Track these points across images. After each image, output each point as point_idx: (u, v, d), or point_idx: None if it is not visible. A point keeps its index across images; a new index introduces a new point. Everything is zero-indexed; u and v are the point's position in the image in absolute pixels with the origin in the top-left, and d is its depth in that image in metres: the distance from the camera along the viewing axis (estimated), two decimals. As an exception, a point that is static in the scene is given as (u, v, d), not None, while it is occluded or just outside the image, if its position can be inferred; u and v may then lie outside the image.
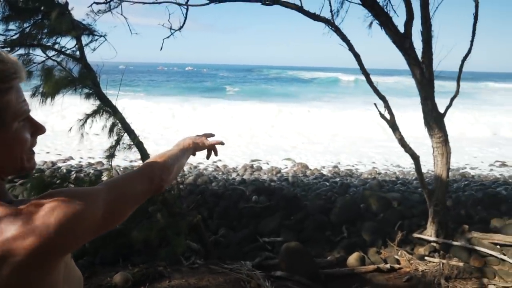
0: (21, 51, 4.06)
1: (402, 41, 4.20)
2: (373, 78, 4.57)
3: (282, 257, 4.04)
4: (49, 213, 0.63)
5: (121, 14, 4.54)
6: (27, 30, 3.95)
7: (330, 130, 15.61)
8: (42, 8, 3.99)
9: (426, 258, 4.41)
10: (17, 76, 0.67)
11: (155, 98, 23.90)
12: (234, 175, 9.66)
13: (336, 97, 29.72)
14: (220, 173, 9.88)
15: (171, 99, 23.40)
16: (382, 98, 4.56)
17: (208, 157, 1.25)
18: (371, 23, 4.85)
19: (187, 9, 4.70)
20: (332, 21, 4.48)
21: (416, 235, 4.88)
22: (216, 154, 1.26)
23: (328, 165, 11.30)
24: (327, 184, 8.60)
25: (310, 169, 10.56)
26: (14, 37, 3.67)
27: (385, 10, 4.36)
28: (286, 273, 3.74)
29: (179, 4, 4.67)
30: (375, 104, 4.62)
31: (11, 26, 3.67)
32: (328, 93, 32.49)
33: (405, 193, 7.36)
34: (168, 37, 4.78)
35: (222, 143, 1.24)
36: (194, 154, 1.15)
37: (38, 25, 4.00)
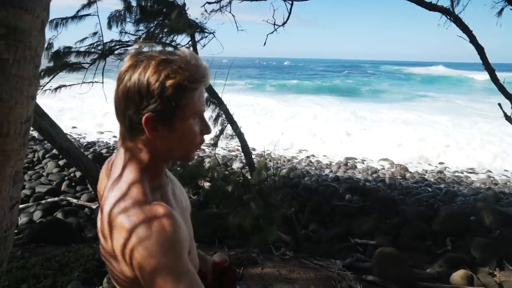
0: (146, 48, 4.69)
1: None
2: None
3: (375, 262, 3.85)
4: (143, 240, 0.67)
5: (230, 12, 4.83)
6: (152, 30, 4.52)
7: (438, 131, 14.10)
8: (164, 10, 4.50)
9: (556, 289, 3.72)
10: (204, 80, 0.75)
11: (248, 91, 24.86)
12: (327, 171, 9.52)
13: (454, 96, 26.83)
14: (313, 168, 9.82)
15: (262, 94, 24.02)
16: (509, 97, 3.95)
17: None
18: (502, 9, 4.23)
19: (291, 4, 4.76)
20: (451, 10, 4.03)
21: (543, 260, 4.14)
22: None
23: (431, 169, 10.29)
24: (429, 189, 7.88)
25: (410, 172, 9.77)
26: (142, 37, 4.20)
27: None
28: (379, 279, 3.56)
29: (284, 0, 4.75)
30: (499, 104, 4.03)
31: (141, 27, 4.23)
32: (441, 91, 29.48)
33: (530, 210, 6.28)
34: (271, 32, 4.92)
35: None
36: None
37: (160, 25, 4.52)
